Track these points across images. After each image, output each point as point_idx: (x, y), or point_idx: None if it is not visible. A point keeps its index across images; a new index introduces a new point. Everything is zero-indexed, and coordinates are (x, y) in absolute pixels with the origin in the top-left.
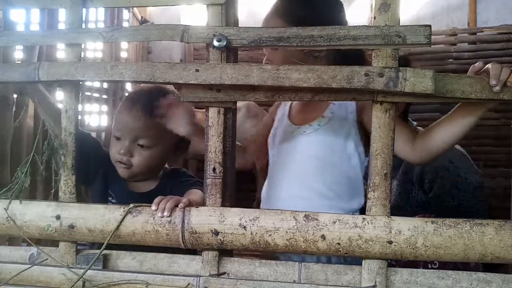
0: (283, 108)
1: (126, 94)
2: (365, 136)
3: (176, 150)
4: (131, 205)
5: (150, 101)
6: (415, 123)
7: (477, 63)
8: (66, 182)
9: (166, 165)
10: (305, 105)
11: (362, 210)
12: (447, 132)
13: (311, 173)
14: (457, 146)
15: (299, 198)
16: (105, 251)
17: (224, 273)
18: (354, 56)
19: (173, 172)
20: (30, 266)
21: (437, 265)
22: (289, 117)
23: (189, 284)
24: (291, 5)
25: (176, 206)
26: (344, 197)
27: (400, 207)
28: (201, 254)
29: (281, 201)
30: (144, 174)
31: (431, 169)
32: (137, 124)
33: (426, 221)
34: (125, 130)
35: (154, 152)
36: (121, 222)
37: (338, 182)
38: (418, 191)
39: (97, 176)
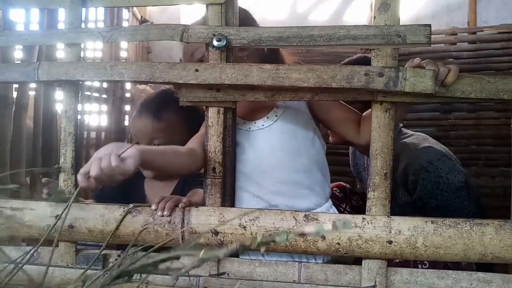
0: None
1: (139, 102)
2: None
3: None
4: (131, 205)
5: (156, 107)
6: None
7: (415, 59)
8: (65, 182)
9: None
10: (250, 102)
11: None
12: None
13: (281, 166)
14: (439, 147)
15: (276, 193)
16: (105, 251)
17: (224, 273)
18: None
19: (189, 178)
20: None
21: (427, 265)
22: (239, 116)
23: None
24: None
25: (176, 206)
26: (320, 181)
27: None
28: None
29: (260, 199)
30: (165, 172)
31: (412, 170)
32: (148, 128)
33: (426, 221)
34: (140, 135)
35: None
36: (121, 222)
37: (310, 168)
38: (404, 192)
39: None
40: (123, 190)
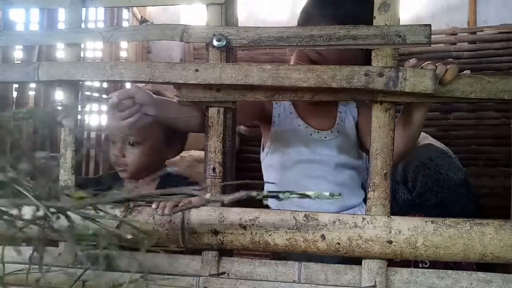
0: (281, 103)
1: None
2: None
3: (168, 144)
4: (132, 204)
5: None
6: None
7: (412, 60)
8: (65, 182)
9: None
10: (314, 106)
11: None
12: (400, 133)
13: (334, 176)
14: (438, 144)
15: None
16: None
17: (224, 273)
18: None
19: (168, 176)
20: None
21: (428, 264)
22: (299, 116)
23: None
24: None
25: (177, 206)
26: (357, 193)
27: None
28: (201, 254)
29: (306, 201)
30: (142, 172)
31: (412, 167)
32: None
33: (426, 221)
34: (114, 133)
35: (145, 148)
36: (121, 223)
37: (354, 177)
38: (404, 190)
39: None
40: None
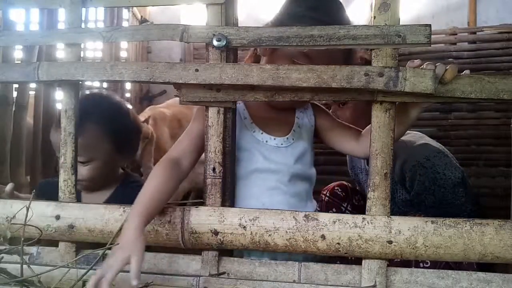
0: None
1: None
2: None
3: (121, 153)
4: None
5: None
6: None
7: (416, 60)
8: (66, 182)
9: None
10: (268, 111)
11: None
12: None
13: (288, 187)
14: (435, 144)
15: (286, 204)
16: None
17: (224, 273)
18: None
19: (124, 181)
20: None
21: (429, 264)
22: (253, 121)
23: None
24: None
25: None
26: (311, 198)
27: None
28: (200, 254)
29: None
30: (97, 184)
31: (410, 167)
32: None
33: (426, 221)
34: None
35: (94, 165)
36: (123, 224)
37: (307, 187)
38: (402, 190)
39: None
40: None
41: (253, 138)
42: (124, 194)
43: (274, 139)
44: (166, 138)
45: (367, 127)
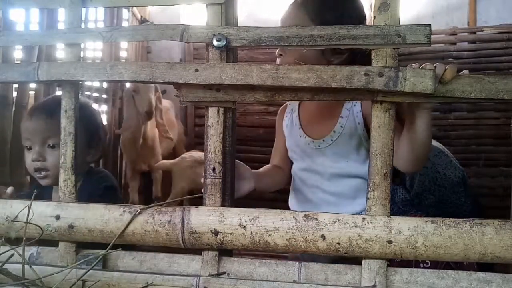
0: (290, 115)
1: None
2: None
3: (90, 146)
4: (138, 209)
5: (49, 106)
6: None
7: (414, 64)
8: (65, 182)
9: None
10: (315, 115)
11: None
12: (406, 140)
13: (328, 186)
14: (435, 143)
15: (323, 202)
16: (104, 251)
17: (224, 273)
18: None
19: (89, 174)
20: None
21: (429, 264)
22: (301, 127)
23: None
24: (316, 2)
25: None
26: (361, 194)
27: None
28: (200, 254)
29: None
30: None
31: None
32: (42, 126)
33: (426, 221)
34: (32, 136)
35: None
36: (127, 226)
37: (355, 184)
38: (402, 190)
39: None
40: (40, 196)
41: (300, 142)
42: (92, 183)
43: (313, 141)
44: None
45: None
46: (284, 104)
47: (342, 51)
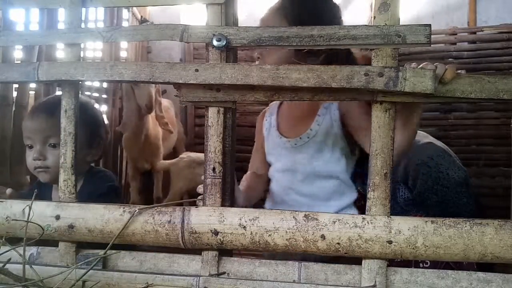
0: (269, 118)
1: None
2: (351, 136)
3: (91, 146)
4: (136, 209)
5: (50, 105)
6: None
7: (412, 64)
8: (65, 182)
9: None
10: (292, 117)
11: (356, 202)
12: (400, 132)
13: (300, 187)
14: (439, 143)
15: (297, 204)
16: (104, 251)
17: (224, 273)
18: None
19: (90, 174)
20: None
21: (429, 264)
22: (278, 129)
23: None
24: (294, 6)
25: None
26: (335, 196)
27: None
28: (200, 254)
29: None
30: None
31: (413, 166)
32: (43, 125)
33: (426, 221)
34: (34, 135)
35: None
36: (126, 226)
37: (328, 186)
38: (404, 189)
39: None
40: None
41: (278, 143)
42: (94, 183)
43: (289, 140)
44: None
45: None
46: (266, 108)
47: (317, 53)
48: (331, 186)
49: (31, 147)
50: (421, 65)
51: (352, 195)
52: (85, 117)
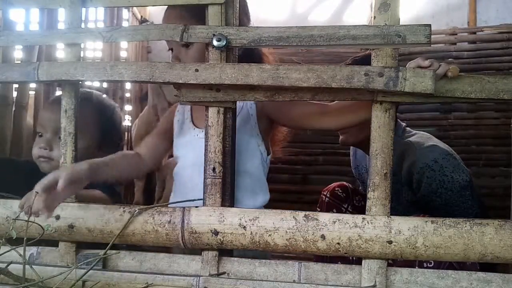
0: (182, 109)
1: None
2: (266, 135)
3: (100, 148)
4: (136, 209)
5: None
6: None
7: (419, 59)
8: None
9: None
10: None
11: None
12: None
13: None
14: (443, 145)
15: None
16: (104, 251)
17: (224, 273)
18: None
19: None
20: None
21: (433, 264)
22: (192, 121)
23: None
24: None
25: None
26: (247, 194)
27: (392, 207)
28: (200, 254)
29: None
30: None
31: (417, 169)
32: (57, 116)
33: (426, 221)
34: (47, 124)
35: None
36: (126, 226)
37: (238, 187)
38: (408, 191)
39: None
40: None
41: (190, 134)
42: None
43: (202, 131)
44: None
45: (334, 103)
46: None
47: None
48: (240, 186)
49: (41, 135)
50: (427, 61)
51: (265, 197)
52: (102, 118)
